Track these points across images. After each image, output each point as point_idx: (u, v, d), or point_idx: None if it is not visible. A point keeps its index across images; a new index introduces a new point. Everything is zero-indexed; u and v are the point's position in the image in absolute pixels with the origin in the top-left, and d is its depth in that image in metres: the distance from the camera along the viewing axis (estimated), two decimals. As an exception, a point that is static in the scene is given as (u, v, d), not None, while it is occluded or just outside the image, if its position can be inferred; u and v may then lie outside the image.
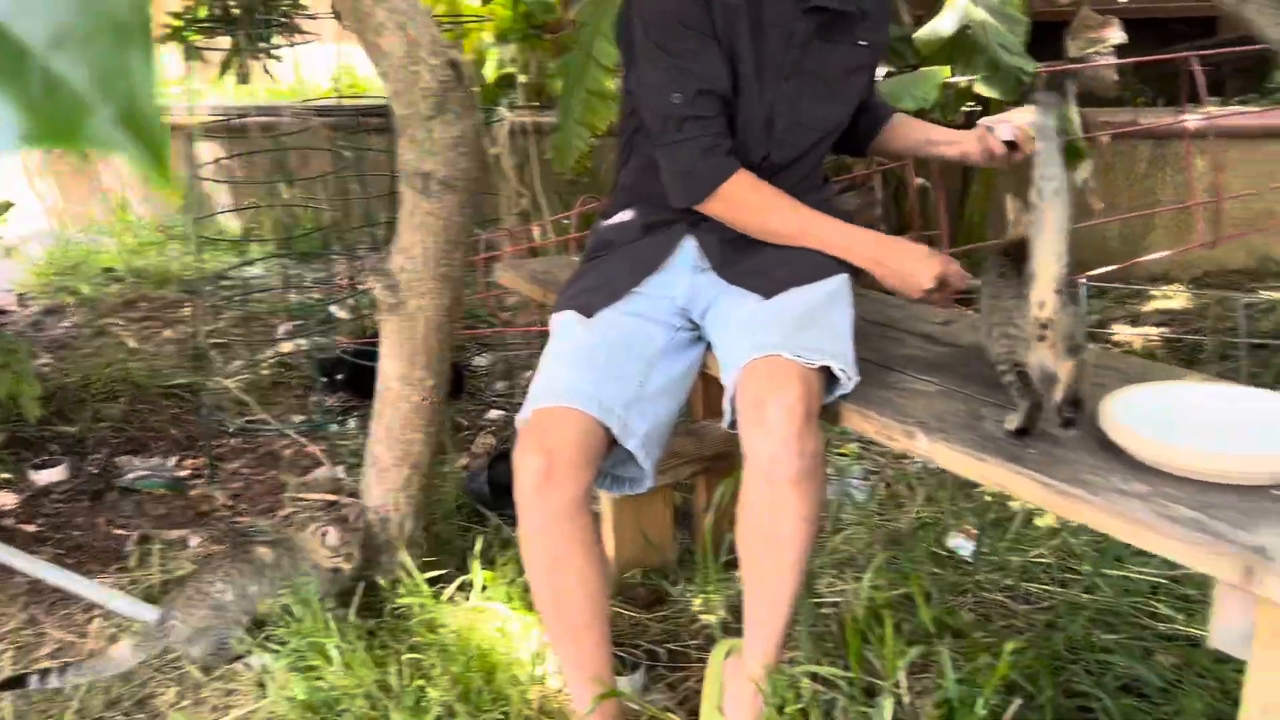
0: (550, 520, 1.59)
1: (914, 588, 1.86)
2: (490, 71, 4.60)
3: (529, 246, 3.33)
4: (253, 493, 2.81)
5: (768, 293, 1.68)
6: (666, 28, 1.63)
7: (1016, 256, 1.39)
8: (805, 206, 1.70)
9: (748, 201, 1.67)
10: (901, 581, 2.04)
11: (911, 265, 1.62)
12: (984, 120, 1.71)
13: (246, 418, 3.20)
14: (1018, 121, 1.63)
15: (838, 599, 2.08)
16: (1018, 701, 1.57)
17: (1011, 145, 1.67)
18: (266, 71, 3.48)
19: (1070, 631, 1.86)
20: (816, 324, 1.60)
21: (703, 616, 2.06)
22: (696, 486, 2.33)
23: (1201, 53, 3.11)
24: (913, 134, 1.92)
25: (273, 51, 3.36)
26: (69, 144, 0.25)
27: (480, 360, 3.71)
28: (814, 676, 1.66)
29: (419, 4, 1.59)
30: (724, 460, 2.19)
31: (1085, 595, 2.01)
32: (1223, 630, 1.12)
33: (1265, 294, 3.41)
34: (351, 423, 3.14)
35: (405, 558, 2.05)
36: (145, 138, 0.24)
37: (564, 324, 1.75)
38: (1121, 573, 2.02)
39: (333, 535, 1.99)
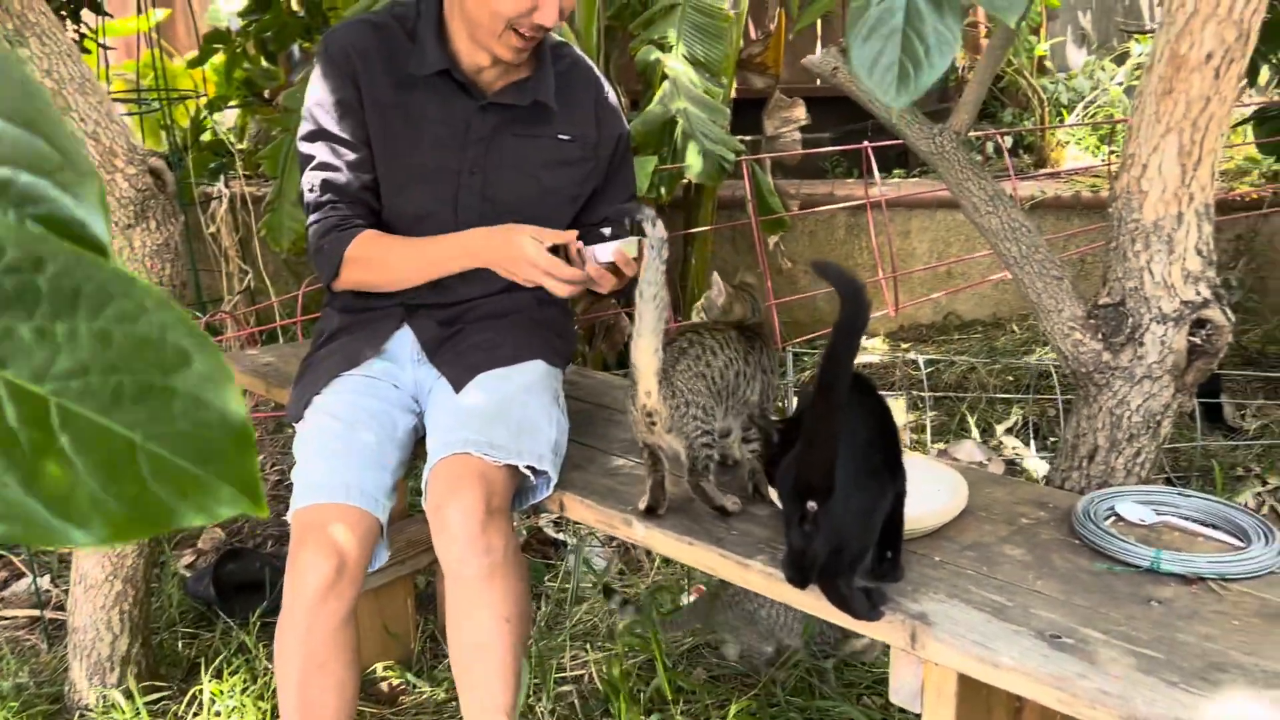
0: (324, 626, 1.50)
1: (654, 652, 1.94)
2: (208, 139, 4.43)
3: (256, 330, 3.21)
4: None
5: (458, 383, 1.68)
6: (316, 117, 1.71)
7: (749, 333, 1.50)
8: (420, 239, 1.69)
9: (369, 256, 1.69)
10: (644, 647, 2.12)
11: (509, 252, 1.60)
12: (585, 247, 1.60)
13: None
14: (616, 245, 1.57)
15: (580, 671, 2.14)
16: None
17: (612, 267, 1.60)
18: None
19: (792, 681, 2.00)
20: (509, 419, 1.59)
21: (451, 704, 2.05)
22: (438, 571, 2.33)
23: (880, 143, 3.47)
24: None
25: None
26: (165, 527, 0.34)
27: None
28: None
29: (112, 112, 1.53)
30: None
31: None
32: (898, 688, 1.26)
33: (948, 347, 3.83)
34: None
35: (129, 678, 1.93)
36: (250, 493, 0.34)
37: (312, 414, 1.69)
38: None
39: None
